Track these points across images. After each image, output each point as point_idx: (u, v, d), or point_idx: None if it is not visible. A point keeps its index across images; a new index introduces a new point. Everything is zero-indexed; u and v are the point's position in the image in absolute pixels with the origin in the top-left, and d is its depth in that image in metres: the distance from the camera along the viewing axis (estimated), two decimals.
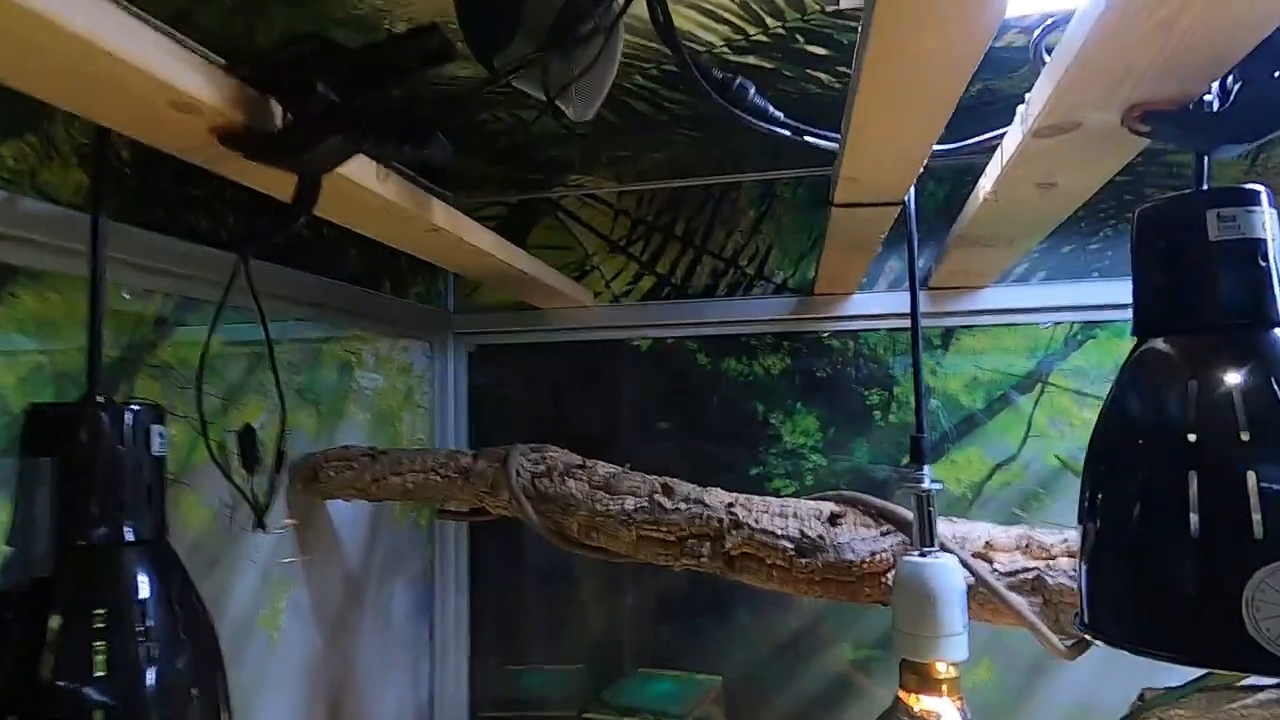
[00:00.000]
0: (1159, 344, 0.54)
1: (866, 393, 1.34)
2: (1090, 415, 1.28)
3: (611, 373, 1.43)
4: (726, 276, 1.38)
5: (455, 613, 1.41)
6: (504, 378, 1.47)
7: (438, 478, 1.00)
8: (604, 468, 0.96)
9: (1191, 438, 0.49)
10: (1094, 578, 0.55)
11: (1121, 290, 1.20)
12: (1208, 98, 0.55)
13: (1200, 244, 0.52)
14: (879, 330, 1.34)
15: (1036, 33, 0.60)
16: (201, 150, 0.58)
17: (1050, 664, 1.20)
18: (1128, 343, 0.57)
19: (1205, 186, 0.55)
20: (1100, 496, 0.54)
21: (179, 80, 0.48)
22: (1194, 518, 0.48)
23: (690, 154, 1.26)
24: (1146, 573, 0.51)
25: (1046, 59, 0.53)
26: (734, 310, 1.36)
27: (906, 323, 1.35)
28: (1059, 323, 1.26)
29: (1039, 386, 1.27)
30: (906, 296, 1.34)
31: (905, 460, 1.34)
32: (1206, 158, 0.55)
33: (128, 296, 0.84)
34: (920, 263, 1.36)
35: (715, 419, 1.38)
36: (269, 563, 1.01)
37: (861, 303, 1.32)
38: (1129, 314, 0.59)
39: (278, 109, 0.57)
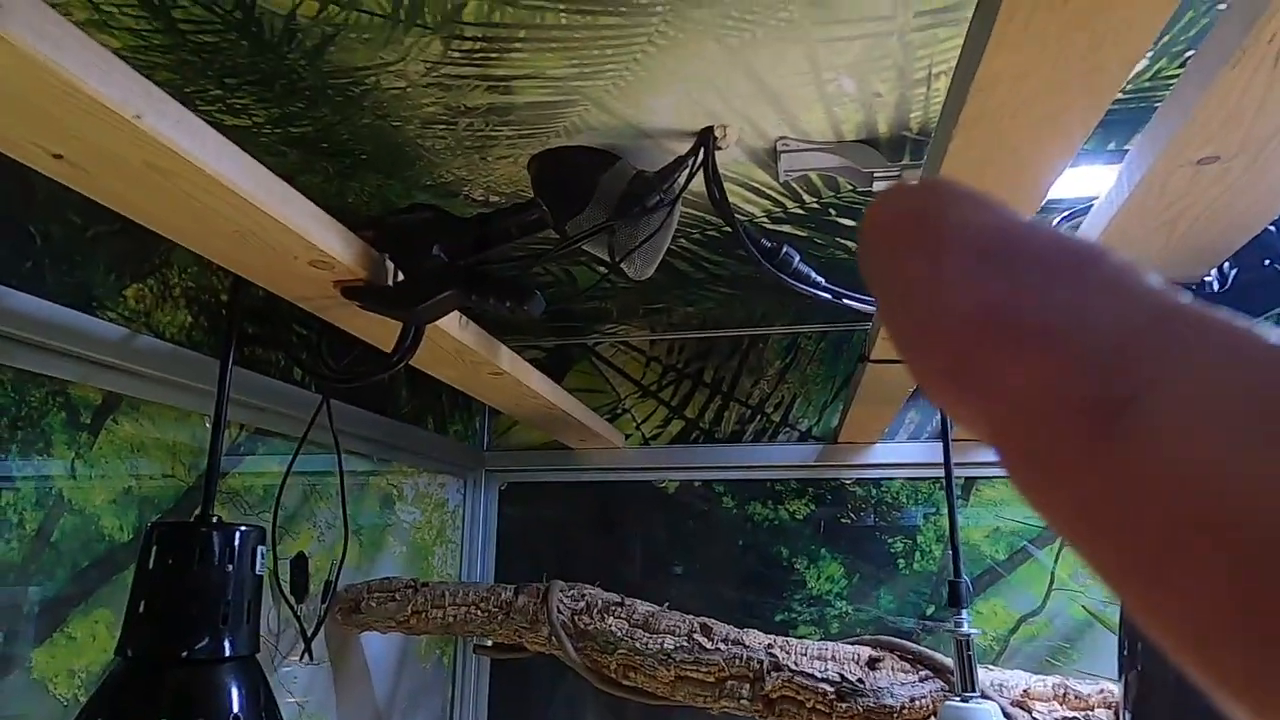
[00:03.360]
0: None
1: (890, 540, 1.37)
2: None
3: (638, 513, 1.46)
4: (753, 423, 1.44)
5: None
6: (532, 515, 1.50)
7: (479, 612, 1.02)
8: (643, 606, 0.98)
9: None
10: None
11: None
12: (1208, 279, 0.63)
13: None
14: (901, 479, 1.39)
15: (1056, 220, 0.69)
16: (320, 299, 0.65)
17: None
18: None
19: None
20: (1140, 646, 0.58)
21: (323, 242, 0.56)
22: None
23: (719, 308, 1.36)
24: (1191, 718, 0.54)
25: None
26: (760, 455, 1.42)
27: (927, 472, 1.41)
28: None
29: (1060, 538, 1.29)
30: (927, 446, 1.41)
31: (931, 609, 1.37)
32: None
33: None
34: (937, 414, 1.43)
35: (740, 562, 1.40)
36: (305, 695, 1.01)
37: (884, 451, 1.37)
38: None
39: (390, 266, 0.65)
